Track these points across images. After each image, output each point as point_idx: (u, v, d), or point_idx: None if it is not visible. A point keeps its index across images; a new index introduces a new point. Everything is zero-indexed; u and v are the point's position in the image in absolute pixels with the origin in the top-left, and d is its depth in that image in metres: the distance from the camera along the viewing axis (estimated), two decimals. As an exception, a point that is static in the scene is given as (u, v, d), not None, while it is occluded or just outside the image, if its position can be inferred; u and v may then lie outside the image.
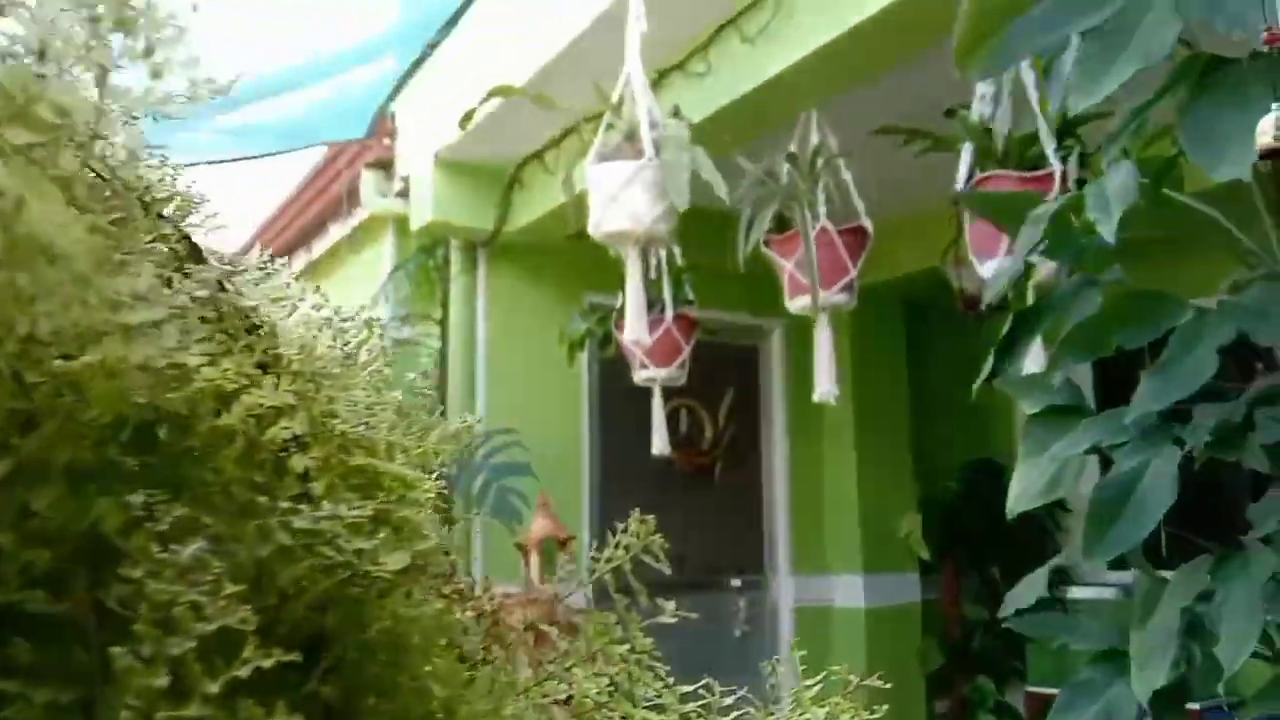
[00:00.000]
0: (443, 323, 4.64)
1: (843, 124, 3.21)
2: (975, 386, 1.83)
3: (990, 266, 2.46)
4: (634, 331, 2.76)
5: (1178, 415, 1.27)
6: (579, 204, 3.01)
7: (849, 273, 3.13)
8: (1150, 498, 1.20)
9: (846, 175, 3.19)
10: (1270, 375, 1.53)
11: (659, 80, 3.43)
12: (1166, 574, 1.51)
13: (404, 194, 4.62)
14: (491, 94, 2.84)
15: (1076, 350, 1.37)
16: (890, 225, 4.57)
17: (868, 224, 3.17)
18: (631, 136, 2.90)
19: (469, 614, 0.69)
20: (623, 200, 2.80)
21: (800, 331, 4.04)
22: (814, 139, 3.19)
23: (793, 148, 3.23)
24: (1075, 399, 1.43)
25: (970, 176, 2.53)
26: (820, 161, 3.14)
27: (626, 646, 0.72)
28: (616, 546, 0.75)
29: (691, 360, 5.12)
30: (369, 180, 4.75)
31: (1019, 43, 1.56)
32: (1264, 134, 0.97)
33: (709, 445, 5.21)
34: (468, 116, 2.93)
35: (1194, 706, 1.53)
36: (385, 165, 4.76)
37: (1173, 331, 1.38)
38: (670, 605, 0.76)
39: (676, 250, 3.89)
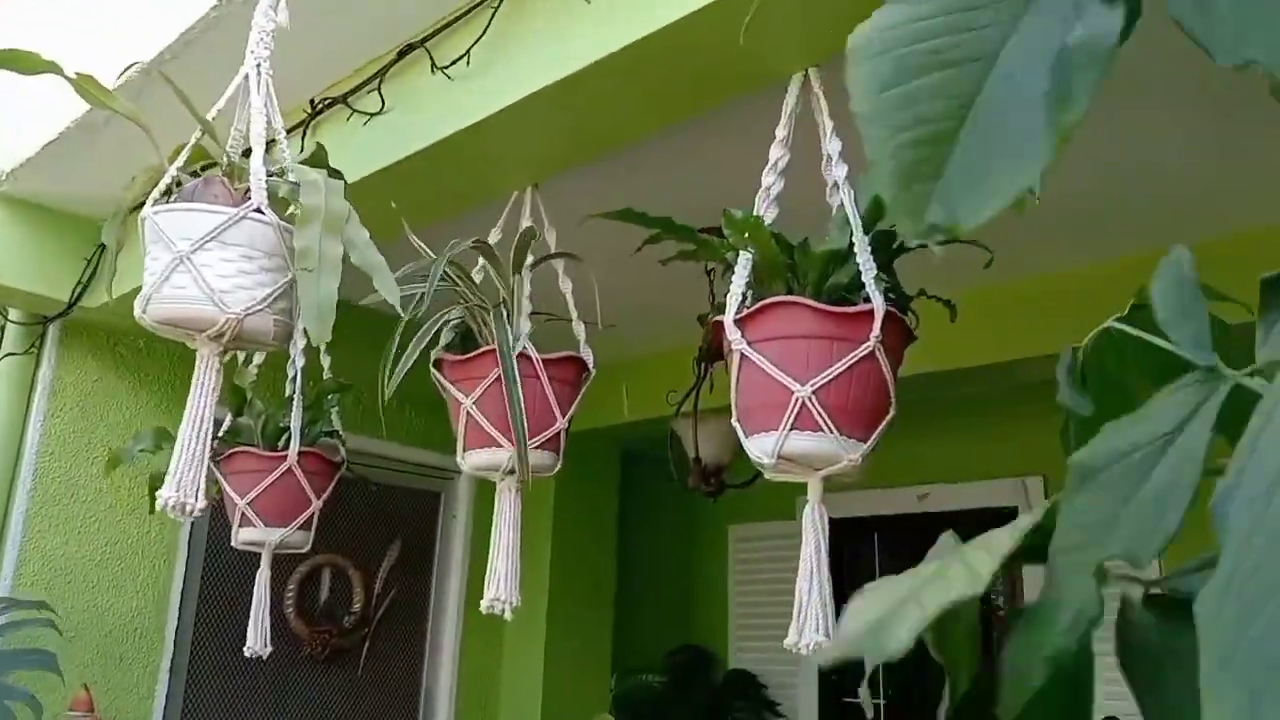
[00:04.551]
0: (-23, 424, 3.21)
1: (561, 209, 2.29)
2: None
3: (763, 444, 1.56)
4: (176, 488, 1.62)
5: None
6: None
7: (556, 421, 2.15)
8: None
9: (566, 284, 2.25)
10: None
11: (314, 119, 2.40)
12: None
13: (-52, 235, 3.22)
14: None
15: None
16: (607, 358, 3.72)
17: (588, 354, 2.22)
18: (232, 173, 1.82)
19: None
20: (198, 267, 1.68)
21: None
22: (524, 226, 2.24)
23: (494, 235, 2.26)
24: None
25: (744, 301, 1.65)
26: (530, 259, 2.18)
27: None
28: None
29: (346, 503, 3.95)
30: (-101, 209, 3.30)
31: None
32: None
33: (355, 621, 3.98)
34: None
35: None
36: (-72, 192, 3.34)
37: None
38: None
39: (325, 359, 2.78)
